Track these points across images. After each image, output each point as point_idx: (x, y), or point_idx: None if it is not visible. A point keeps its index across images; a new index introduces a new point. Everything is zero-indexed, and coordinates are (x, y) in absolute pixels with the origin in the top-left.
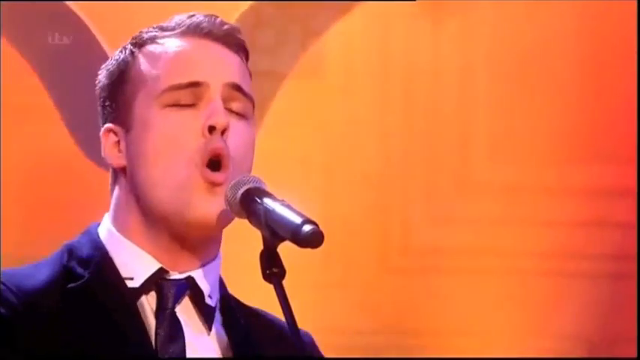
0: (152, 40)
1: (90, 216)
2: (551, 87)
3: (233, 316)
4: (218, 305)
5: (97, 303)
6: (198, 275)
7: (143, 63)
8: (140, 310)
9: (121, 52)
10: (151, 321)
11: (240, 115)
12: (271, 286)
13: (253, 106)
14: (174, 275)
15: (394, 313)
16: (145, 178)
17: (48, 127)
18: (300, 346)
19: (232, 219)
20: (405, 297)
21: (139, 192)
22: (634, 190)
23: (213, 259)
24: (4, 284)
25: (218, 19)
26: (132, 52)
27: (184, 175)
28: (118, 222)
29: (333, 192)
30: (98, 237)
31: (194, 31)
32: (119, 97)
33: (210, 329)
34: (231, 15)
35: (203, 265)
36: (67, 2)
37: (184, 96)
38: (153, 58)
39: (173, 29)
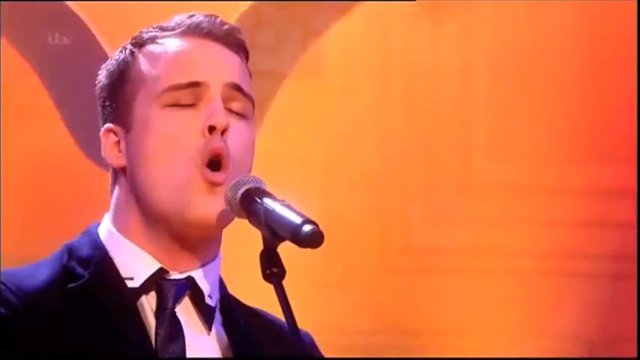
0: (152, 40)
1: (89, 216)
2: (551, 87)
3: (233, 316)
4: (218, 305)
5: (97, 303)
6: (198, 275)
7: (143, 63)
8: (140, 310)
9: (121, 52)
10: (151, 321)
11: (240, 115)
12: (271, 286)
13: (253, 106)
14: (175, 275)
15: (394, 313)
16: (144, 178)
17: (48, 127)
18: (300, 346)
19: (232, 219)
20: (405, 297)
21: (139, 192)
22: (634, 190)
23: (213, 259)
24: (4, 284)
25: (218, 19)
26: (132, 52)
27: (184, 175)
28: (118, 222)
29: (333, 192)
30: (98, 237)
31: (194, 31)
32: (119, 97)
33: (210, 329)
34: (231, 15)
35: (203, 265)
36: (67, 2)
37: (184, 96)
38: (153, 58)
39: (173, 29)
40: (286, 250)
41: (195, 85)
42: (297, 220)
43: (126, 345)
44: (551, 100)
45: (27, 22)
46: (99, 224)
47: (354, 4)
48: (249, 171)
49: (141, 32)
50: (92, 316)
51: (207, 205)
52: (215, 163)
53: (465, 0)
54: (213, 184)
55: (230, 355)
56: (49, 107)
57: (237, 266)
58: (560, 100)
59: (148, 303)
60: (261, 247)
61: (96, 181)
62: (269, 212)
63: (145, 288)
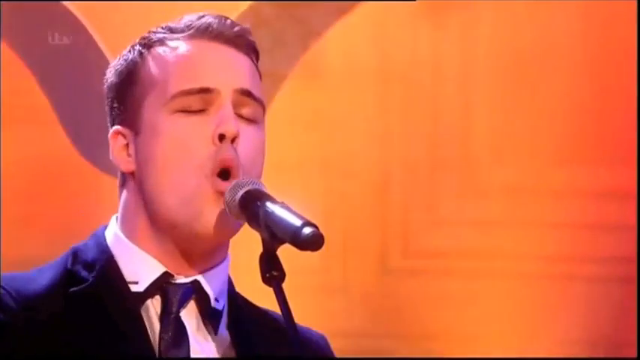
0: (161, 42)
1: (89, 216)
2: (552, 88)
3: (239, 319)
4: (226, 307)
5: (100, 307)
6: (204, 279)
7: (152, 65)
8: (145, 314)
9: (130, 52)
10: (156, 325)
11: (250, 121)
12: (271, 290)
13: (264, 110)
14: (180, 279)
15: (395, 317)
16: (153, 185)
17: (47, 128)
18: (300, 348)
19: (240, 227)
20: (407, 300)
21: (148, 198)
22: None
23: (221, 262)
24: (3, 288)
25: (228, 21)
26: (141, 53)
27: (194, 184)
28: (125, 226)
29: (333, 193)
30: (105, 240)
31: (203, 33)
32: (128, 98)
33: (216, 333)
34: (230, 15)
35: (210, 269)
36: (64, 2)
37: (194, 102)
38: (162, 61)
39: (182, 31)
40: (286, 252)
41: (205, 91)
42: (297, 222)
43: (127, 349)
44: (553, 102)
45: (24, 22)
46: (106, 227)
47: (354, 4)
48: (259, 176)
49: (150, 32)
50: (94, 319)
51: (216, 217)
52: (225, 172)
53: (465, 0)
54: (223, 194)
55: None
56: (47, 108)
57: (236, 269)
58: (562, 101)
59: (154, 307)
60: (260, 249)
61: (95, 182)
62: (268, 214)
63: (149, 292)
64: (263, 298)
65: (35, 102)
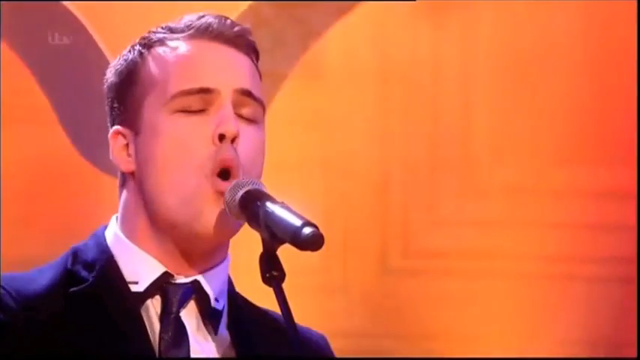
0: (161, 42)
1: (88, 217)
2: (553, 88)
3: (239, 319)
4: (225, 307)
5: (100, 307)
6: (204, 279)
7: (152, 66)
8: (145, 314)
9: (130, 51)
10: (156, 325)
11: (250, 120)
12: (271, 289)
13: (264, 110)
14: (180, 279)
15: (395, 317)
16: (153, 185)
17: (46, 128)
18: (300, 348)
19: (240, 227)
20: (407, 300)
21: (148, 198)
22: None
23: (221, 262)
24: (3, 288)
25: (228, 21)
26: (141, 53)
27: (194, 184)
28: (125, 226)
29: (333, 193)
30: (105, 240)
31: (203, 33)
32: (128, 98)
33: (216, 333)
34: (230, 15)
35: (210, 269)
36: (65, 2)
37: (194, 102)
38: (162, 61)
39: (182, 31)
40: (286, 252)
41: (205, 91)
42: (297, 222)
43: (127, 349)
44: (553, 102)
45: (23, 22)
46: (106, 227)
47: (354, 4)
48: (260, 175)
49: (149, 32)
50: (94, 320)
51: (216, 217)
52: (225, 172)
53: (465, 0)
54: (223, 194)
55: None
56: (47, 108)
57: (236, 269)
58: (562, 101)
59: (154, 307)
60: (260, 249)
61: (95, 182)
62: (268, 214)
63: (149, 292)
64: (263, 298)
65: (35, 102)
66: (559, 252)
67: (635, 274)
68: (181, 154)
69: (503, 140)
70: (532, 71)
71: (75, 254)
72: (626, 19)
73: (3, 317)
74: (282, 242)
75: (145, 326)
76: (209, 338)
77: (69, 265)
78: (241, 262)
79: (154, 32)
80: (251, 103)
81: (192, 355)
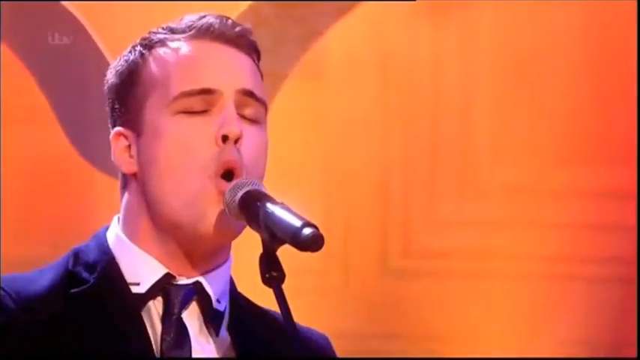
0: (162, 42)
1: (90, 217)
2: (553, 88)
3: (241, 319)
4: (227, 308)
5: (101, 308)
6: (206, 280)
7: (153, 67)
8: (146, 315)
9: (131, 52)
10: (157, 327)
11: (253, 121)
12: (271, 290)
13: (266, 110)
14: (182, 280)
15: (395, 317)
16: (156, 187)
17: (45, 128)
18: (300, 348)
19: (243, 229)
20: (407, 301)
21: (150, 199)
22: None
23: (223, 263)
24: (3, 290)
25: (229, 21)
26: (142, 54)
27: (198, 185)
28: (126, 227)
29: (333, 193)
30: (106, 241)
31: (204, 33)
32: (129, 99)
33: (217, 334)
34: (230, 15)
35: (212, 270)
36: (64, 2)
37: (196, 103)
38: (163, 62)
39: (183, 31)
40: (286, 253)
41: (207, 92)
42: (297, 223)
43: (128, 350)
44: (553, 102)
45: (23, 22)
46: (107, 228)
47: (354, 4)
48: (262, 176)
49: (150, 33)
50: (95, 321)
51: (220, 218)
52: (229, 173)
53: (465, 0)
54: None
55: None
56: (47, 108)
57: (239, 268)
58: (562, 101)
59: (155, 308)
60: (260, 250)
61: (96, 183)
62: (268, 215)
63: (151, 294)
64: (265, 298)
65: (35, 102)
66: (559, 252)
67: (635, 275)
68: (184, 156)
69: (504, 140)
70: (532, 71)
71: (76, 255)
72: (626, 19)
73: (3, 319)
74: (282, 243)
75: (145, 327)
76: (211, 339)
77: (70, 266)
78: (243, 263)
79: (155, 33)
80: (253, 104)
81: (194, 355)
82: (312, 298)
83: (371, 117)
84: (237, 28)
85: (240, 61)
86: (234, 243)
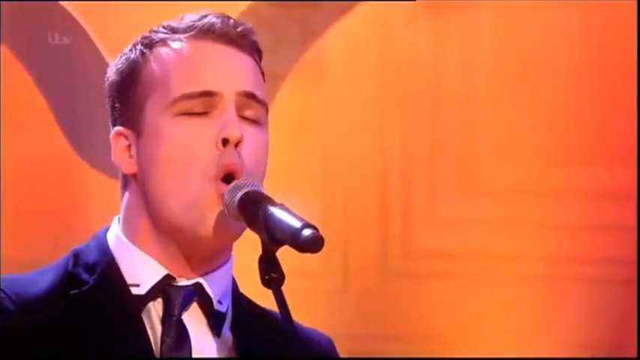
0: (163, 42)
1: (86, 217)
2: (554, 88)
3: (243, 320)
4: (230, 309)
5: (101, 310)
6: (206, 281)
7: (154, 67)
8: (146, 317)
9: (132, 50)
10: (157, 328)
11: (254, 122)
12: (270, 292)
13: (267, 111)
14: (182, 282)
15: (395, 319)
16: (156, 188)
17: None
18: (300, 348)
19: (244, 230)
20: (407, 302)
21: (150, 201)
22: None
23: (224, 264)
24: (3, 291)
25: (231, 21)
26: (142, 53)
27: (198, 189)
28: (126, 228)
29: (333, 194)
30: (106, 242)
31: (206, 33)
32: (129, 98)
33: (218, 335)
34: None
35: (213, 271)
36: (62, 2)
37: (197, 105)
38: (164, 62)
39: (184, 31)
40: (285, 254)
41: (208, 94)
42: (297, 224)
43: (127, 352)
44: (553, 102)
45: (20, 22)
46: (108, 229)
47: (354, 4)
48: (263, 177)
49: (151, 32)
50: (95, 322)
51: (220, 221)
52: (229, 177)
53: (465, 0)
54: None
55: None
56: (47, 108)
57: (241, 269)
58: (562, 101)
59: (155, 310)
60: (259, 251)
61: (96, 183)
62: (268, 216)
63: (151, 295)
64: (266, 298)
65: (36, 102)
66: (559, 253)
67: (635, 275)
68: (184, 158)
69: (504, 140)
70: (532, 71)
71: (76, 256)
72: (626, 20)
73: (2, 321)
74: (282, 244)
75: (145, 329)
76: (212, 341)
77: (70, 268)
78: (246, 263)
79: (156, 32)
80: (254, 105)
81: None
82: (311, 300)
83: (371, 117)
84: (239, 28)
85: (241, 62)
86: (237, 243)
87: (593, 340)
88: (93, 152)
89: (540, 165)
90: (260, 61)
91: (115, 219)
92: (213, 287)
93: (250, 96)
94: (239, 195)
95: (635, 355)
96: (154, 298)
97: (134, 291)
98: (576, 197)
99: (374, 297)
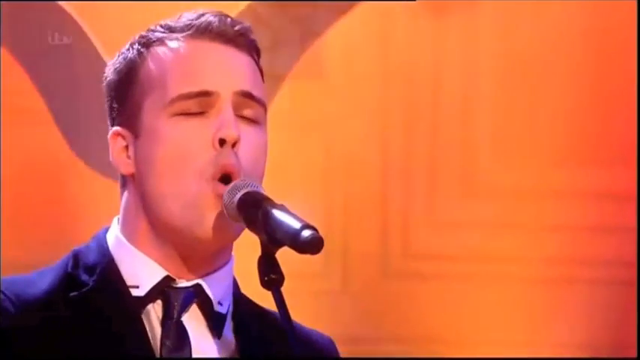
0: (160, 41)
1: (85, 217)
2: (554, 88)
3: (244, 321)
4: (230, 310)
5: (100, 311)
6: (206, 283)
7: (151, 66)
8: (146, 319)
9: (129, 50)
10: (157, 330)
11: (252, 121)
12: (269, 293)
13: (265, 110)
14: (182, 283)
15: (395, 320)
16: (154, 189)
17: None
18: (300, 349)
19: (242, 231)
20: (407, 303)
21: (148, 201)
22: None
23: (225, 265)
24: (3, 293)
25: (229, 19)
26: (140, 52)
27: (195, 189)
28: (126, 228)
29: (333, 194)
30: (106, 243)
31: (203, 32)
32: (127, 98)
33: (219, 336)
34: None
35: (213, 272)
36: (62, 3)
37: (194, 105)
38: (161, 62)
39: (182, 30)
40: (285, 255)
41: (205, 94)
42: (297, 225)
43: (127, 354)
44: (553, 102)
45: (19, 22)
46: (108, 229)
47: (354, 4)
48: (262, 177)
49: (148, 31)
50: (94, 324)
51: (218, 221)
52: (226, 177)
53: (466, 0)
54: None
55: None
56: (46, 109)
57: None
58: (562, 101)
59: (155, 312)
60: (259, 252)
61: (96, 183)
62: (267, 217)
63: (150, 297)
64: (266, 298)
65: (36, 103)
66: (559, 254)
67: (635, 276)
68: (181, 159)
69: (504, 141)
70: (533, 72)
71: (76, 257)
72: (626, 20)
73: (2, 322)
74: (281, 245)
75: (145, 331)
76: (212, 342)
77: (69, 269)
78: (247, 263)
79: (153, 31)
80: (252, 105)
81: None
82: (311, 301)
83: (371, 117)
84: (237, 27)
85: (239, 61)
86: (237, 243)
87: (593, 341)
88: (92, 153)
89: (540, 165)
90: (259, 60)
91: (115, 219)
92: (213, 288)
93: (248, 95)
94: (238, 195)
95: (635, 355)
96: (153, 300)
97: (134, 292)
98: (576, 198)
99: (374, 298)
